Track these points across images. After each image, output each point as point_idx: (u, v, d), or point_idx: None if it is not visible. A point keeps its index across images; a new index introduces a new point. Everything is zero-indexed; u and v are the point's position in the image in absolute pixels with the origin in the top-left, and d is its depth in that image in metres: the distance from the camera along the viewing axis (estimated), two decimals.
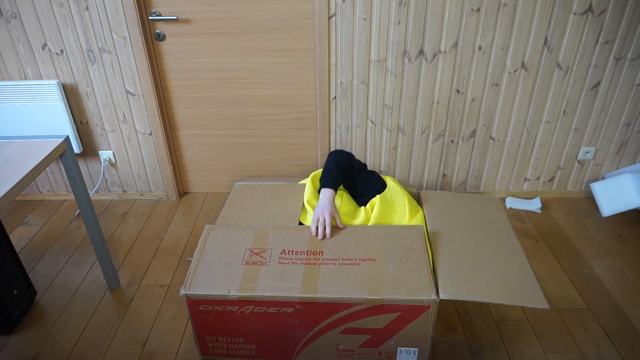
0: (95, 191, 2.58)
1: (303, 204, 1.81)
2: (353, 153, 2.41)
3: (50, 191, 2.60)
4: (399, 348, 1.48)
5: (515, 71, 2.15)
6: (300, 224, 1.74)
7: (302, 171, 2.55)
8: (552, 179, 2.48)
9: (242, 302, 1.41)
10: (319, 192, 1.74)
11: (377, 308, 1.39)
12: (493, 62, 2.13)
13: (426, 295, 1.36)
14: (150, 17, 2.11)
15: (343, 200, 1.77)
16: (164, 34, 2.17)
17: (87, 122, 2.35)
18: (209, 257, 1.54)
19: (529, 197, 2.51)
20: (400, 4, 2.01)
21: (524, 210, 2.40)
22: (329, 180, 1.71)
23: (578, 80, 2.17)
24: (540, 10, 2.00)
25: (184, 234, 2.29)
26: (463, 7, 2.00)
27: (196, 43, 2.18)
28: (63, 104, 2.22)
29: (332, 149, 2.41)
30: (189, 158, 2.53)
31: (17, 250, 2.20)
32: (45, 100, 2.21)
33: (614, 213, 2.18)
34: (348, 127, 2.34)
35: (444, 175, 2.48)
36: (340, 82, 2.21)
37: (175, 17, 2.09)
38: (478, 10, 2.01)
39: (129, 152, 2.45)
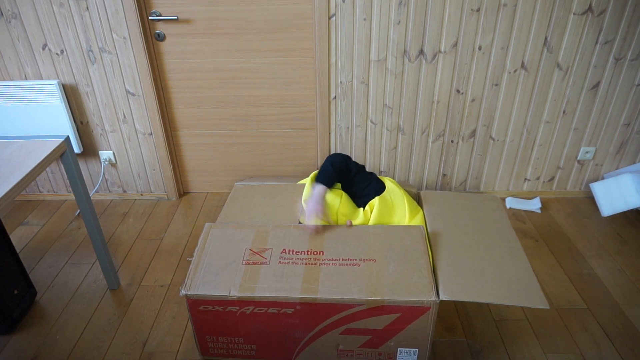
0: (96, 191, 2.58)
1: (303, 204, 1.81)
2: (353, 153, 2.42)
3: (50, 191, 2.60)
4: (399, 349, 1.48)
5: (515, 71, 2.15)
6: (300, 224, 1.74)
7: (302, 171, 2.55)
8: (552, 179, 2.48)
9: (242, 302, 1.41)
10: None
11: (377, 309, 1.39)
12: (493, 62, 2.13)
13: (426, 296, 1.36)
14: (150, 17, 2.11)
15: (342, 201, 1.77)
16: (164, 34, 2.16)
17: (87, 122, 2.35)
18: (209, 256, 1.54)
19: (528, 197, 2.51)
20: (400, 4, 2.00)
21: (523, 210, 2.40)
22: (323, 177, 1.73)
23: (578, 80, 2.17)
24: (540, 10, 2.00)
25: (184, 234, 2.29)
26: (463, 7, 2.00)
27: (196, 43, 2.18)
28: (63, 104, 2.22)
29: (332, 149, 2.41)
30: (189, 158, 2.53)
31: (18, 250, 2.20)
32: (46, 100, 2.20)
33: (613, 213, 2.19)
34: (348, 127, 2.33)
35: (444, 175, 2.48)
36: (340, 82, 2.21)
37: (175, 17, 2.09)
38: (478, 10, 2.01)
39: (129, 152, 2.45)
